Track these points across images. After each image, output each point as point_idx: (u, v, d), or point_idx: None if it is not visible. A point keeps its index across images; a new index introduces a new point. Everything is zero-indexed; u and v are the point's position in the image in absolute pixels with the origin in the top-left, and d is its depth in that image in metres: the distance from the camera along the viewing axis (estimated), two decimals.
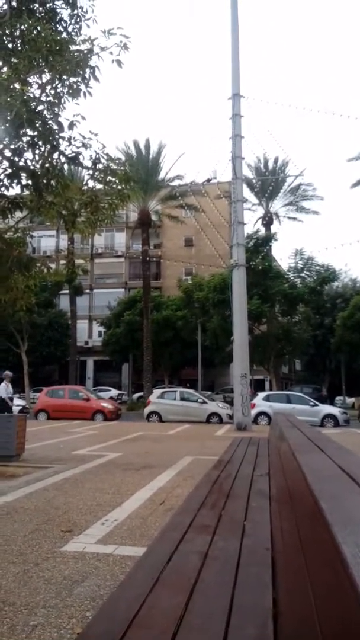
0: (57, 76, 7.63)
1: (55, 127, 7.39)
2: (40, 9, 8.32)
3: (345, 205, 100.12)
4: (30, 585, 3.26)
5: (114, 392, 38.86)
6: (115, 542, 4.22)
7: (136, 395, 36.82)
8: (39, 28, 7.38)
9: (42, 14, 8.19)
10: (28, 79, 7.72)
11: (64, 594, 3.11)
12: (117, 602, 1.89)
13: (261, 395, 21.33)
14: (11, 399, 14.61)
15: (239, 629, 1.63)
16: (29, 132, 7.28)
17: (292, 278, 29.97)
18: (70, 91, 7.58)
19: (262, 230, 32.76)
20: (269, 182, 34.13)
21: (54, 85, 7.74)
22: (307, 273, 29.95)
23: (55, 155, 7.70)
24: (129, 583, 2.10)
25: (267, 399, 20.39)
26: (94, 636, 1.64)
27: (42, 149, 7.58)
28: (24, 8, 7.81)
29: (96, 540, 4.26)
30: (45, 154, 7.61)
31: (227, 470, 5.08)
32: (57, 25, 8.37)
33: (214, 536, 2.71)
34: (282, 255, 48.99)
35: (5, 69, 7.67)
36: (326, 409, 20.34)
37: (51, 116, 7.48)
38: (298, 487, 1.83)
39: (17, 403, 22.63)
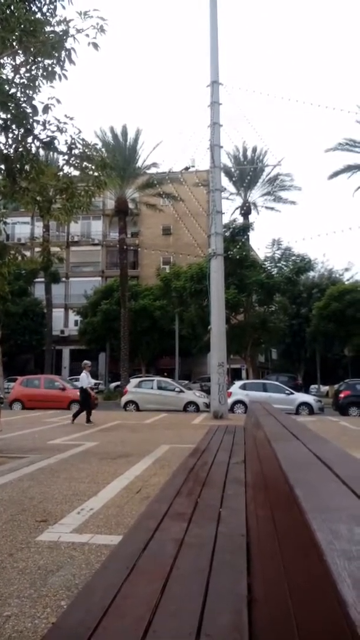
0: (32, 58, 7.43)
1: (29, 110, 7.21)
2: None
3: (323, 196, 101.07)
4: (4, 576, 3.22)
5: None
6: (91, 531, 4.20)
7: (113, 385, 36.73)
8: (12, 7, 7.14)
9: None
10: (1, 60, 7.49)
11: (39, 584, 3.09)
12: (93, 591, 1.88)
13: (238, 384, 21.54)
14: (92, 389, 14.25)
15: (214, 616, 1.64)
16: (2, 115, 7.09)
17: (269, 268, 30.20)
18: (45, 73, 7.40)
19: (240, 220, 32.86)
20: (247, 171, 34.16)
21: (28, 67, 7.53)
22: (284, 263, 30.22)
23: (30, 140, 7.52)
24: (105, 572, 2.09)
25: (244, 387, 20.60)
26: (69, 625, 1.63)
27: (16, 132, 7.39)
28: None
29: (71, 529, 4.24)
30: (19, 138, 7.42)
31: (204, 458, 5.11)
32: (31, 5, 8.11)
33: (190, 524, 2.72)
34: (260, 245, 49.42)
35: None
36: (301, 397, 20.67)
37: (25, 99, 7.29)
38: (273, 474, 1.84)
39: None
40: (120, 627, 1.58)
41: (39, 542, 3.90)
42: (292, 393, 20.23)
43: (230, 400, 18.51)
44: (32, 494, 5.53)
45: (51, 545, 3.83)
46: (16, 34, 7.14)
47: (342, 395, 19.78)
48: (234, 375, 35.55)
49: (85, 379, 14.06)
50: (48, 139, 7.62)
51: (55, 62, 7.35)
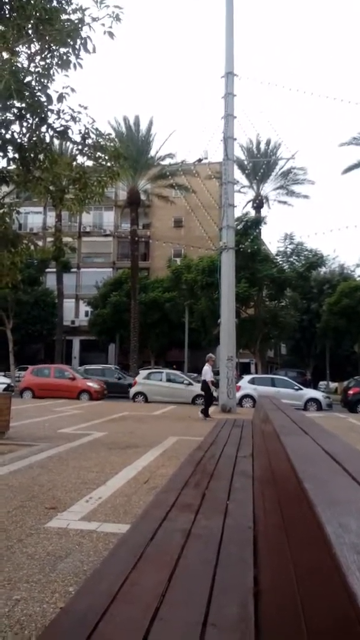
0: (47, 46, 7.40)
1: (43, 99, 7.20)
2: None
3: (336, 190, 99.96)
4: (14, 561, 3.27)
5: None
6: (99, 519, 4.25)
7: None
8: None
9: None
10: (16, 48, 7.48)
11: (47, 570, 3.14)
12: (100, 578, 1.91)
13: (246, 378, 21.53)
14: (213, 383, 14.10)
15: (220, 606, 1.66)
16: (17, 103, 7.08)
17: (280, 262, 30.03)
18: (60, 62, 7.38)
19: (252, 213, 32.66)
20: (260, 164, 33.89)
21: (43, 55, 7.51)
22: (296, 258, 30.03)
23: (44, 129, 7.52)
24: (113, 559, 2.12)
25: (253, 382, 20.59)
26: (77, 611, 1.65)
27: (30, 121, 7.40)
28: None
29: (80, 517, 4.29)
30: (33, 127, 7.43)
31: (211, 451, 5.13)
32: None
33: (197, 515, 2.74)
34: (272, 239, 49.17)
35: None
36: (310, 393, 20.62)
37: (40, 88, 7.28)
38: (282, 468, 1.85)
39: (2, 381, 22.52)
40: (128, 614, 1.60)
41: (48, 529, 3.95)
42: (300, 389, 20.19)
43: (238, 394, 18.52)
44: (42, 481, 5.60)
45: (60, 532, 3.88)
46: (32, 22, 7.12)
47: (351, 392, 19.68)
48: (243, 369, 35.49)
49: (209, 372, 13.96)
50: (62, 128, 7.61)
51: (70, 50, 7.32)
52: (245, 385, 20.11)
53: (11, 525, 4.03)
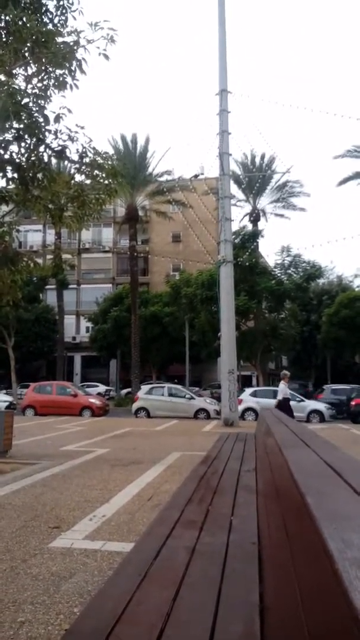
0: (43, 68, 7.54)
1: (41, 119, 7.31)
2: None
3: (332, 202, 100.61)
4: (18, 582, 3.24)
5: (101, 388, 38.75)
6: (103, 537, 4.21)
7: (124, 391, 36.78)
8: (24, 19, 7.27)
9: (28, 5, 8.06)
10: (13, 71, 7.62)
11: (52, 590, 3.10)
12: (105, 598, 1.89)
13: (248, 391, 21.44)
14: (288, 399, 14.07)
15: (226, 624, 1.64)
16: (15, 124, 7.19)
17: (278, 274, 30.14)
18: (57, 83, 7.51)
19: (249, 227, 32.87)
20: (256, 178, 34.15)
21: (40, 77, 7.65)
22: (294, 270, 30.15)
23: (42, 149, 7.63)
24: (117, 579, 2.10)
25: (254, 394, 20.51)
26: (82, 632, 1.64)
27: (28, 142, 7.50)
28: None
29: (84, 536, 4.25)
30: (31, 147, 7.53)
31: (215, 465, 5.10)
32: (43, 17, 8.26)
33: (202, 531, 2.72)
34: (269, 252, 49.53)
35: None
36: (312, 404, 20.52)
37: (37, 109, 7.39)
38: (284, 482, 1.84)
39: (4, 399, 22.44)
40: (133, 634, 1.59)
41: (52, 549, 3.92)
42: (302, 400, 20.09)
43: (240, 408, 18.43)
44: (45, 500, 5.56)
45: (64, 552, 3.84)
46: (28, 44, 7.27)
47: (353, 403, 19.59)
48: (245, 382, 35.37)
49: (285, 390, 13.88)
50: (60, 147, 7.72)
51: (66, 72, 7.46)
52: (247, 398, 20.02)
53: (15, 545, 4.00)
